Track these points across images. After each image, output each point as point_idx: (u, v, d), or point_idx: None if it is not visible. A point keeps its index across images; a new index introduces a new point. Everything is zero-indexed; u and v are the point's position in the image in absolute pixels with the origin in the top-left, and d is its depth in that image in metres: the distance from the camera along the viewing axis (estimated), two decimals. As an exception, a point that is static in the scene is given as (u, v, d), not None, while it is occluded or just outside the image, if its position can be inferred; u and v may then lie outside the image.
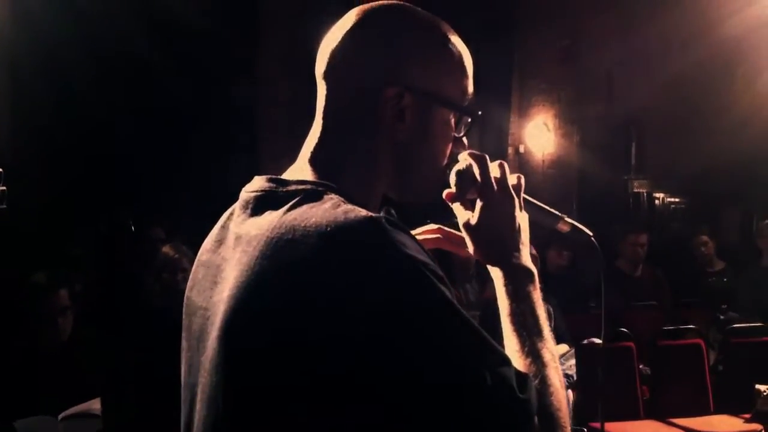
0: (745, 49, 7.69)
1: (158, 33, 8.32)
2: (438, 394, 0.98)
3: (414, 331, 0.99)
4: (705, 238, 7.14)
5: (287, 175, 1.22)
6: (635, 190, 9.81)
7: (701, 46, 7.55)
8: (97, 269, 6.74)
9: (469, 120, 1.29)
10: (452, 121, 1.26)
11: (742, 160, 7.77)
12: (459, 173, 1.32)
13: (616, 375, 5.22)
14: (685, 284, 7.08)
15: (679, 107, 8.70)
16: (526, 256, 1.30)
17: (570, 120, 9.85)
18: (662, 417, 5.24)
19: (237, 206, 1.22)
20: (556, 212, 1.43)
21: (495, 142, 9.85)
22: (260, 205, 1.17)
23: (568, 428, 1.11)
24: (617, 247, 6.73)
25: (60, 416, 3.60)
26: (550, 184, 9.46)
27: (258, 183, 1.21)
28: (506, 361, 1.05)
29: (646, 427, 5.13)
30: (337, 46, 1.22)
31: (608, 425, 4.85)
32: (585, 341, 5.15)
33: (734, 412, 5.21)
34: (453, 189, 1.33)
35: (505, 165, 1.32)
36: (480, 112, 1.27)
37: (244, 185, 1.24)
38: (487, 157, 1.31)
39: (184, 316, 1.28)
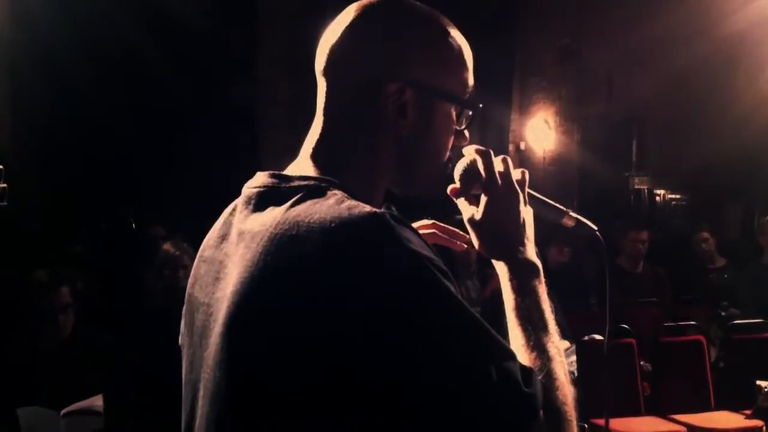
0: (747, 45, 7.68)
1: (158, 33, 8.32)
2: (443, 389, 0.98)
3: (419, 327, 0.99)
4: (706, 234, 7.13)
5: (289, 171, 1.22)
6: (636, 187, 9.81)
7: (703, 43, 7.54)
8: (98, 267, 6.75)
9: (471, 113, 1.28)
10: (453, 114, 1.26)
11: (743, 156, 7.76)
12: (463, 168, 1.32)
13: (617, 371, 5.22)
14: (686, 281, 7.08)
15: (680, 104, 8.69)
16: (531, 250, 1.30)
17: (571, 117, 9.84)
18: (663, 413, 5.24)
19: (239, 202, 1.22)
20: (561, 207, 1.42)
21: (496, 139, 9.85)
22: (263, 200, 1.16)
23: (574, 422, 1.11)
24: (618, 244, 6.73)
25: (62, 412, 3.60)
26: (551, 182, 9.45)
27: (260, 179, 1.21)
28: (511, 356, 1.04)
29: (647, 423, 5.13)
30: (336, 42, 1.22)
31: (610, 421, 4.85)
32: (586, 337, 5.15)
33: (735, 408, 5.21)
34: (457, 184, 1.34)
35: (509, 160, 1.32)
36: (481, 105, 1.27)
37: (244, 183, 1.24)
38: (492, 152, 1.31)
39: (185, 312, 1.28)
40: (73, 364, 3.84)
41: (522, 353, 1.15)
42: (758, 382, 4.93)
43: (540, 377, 1.09)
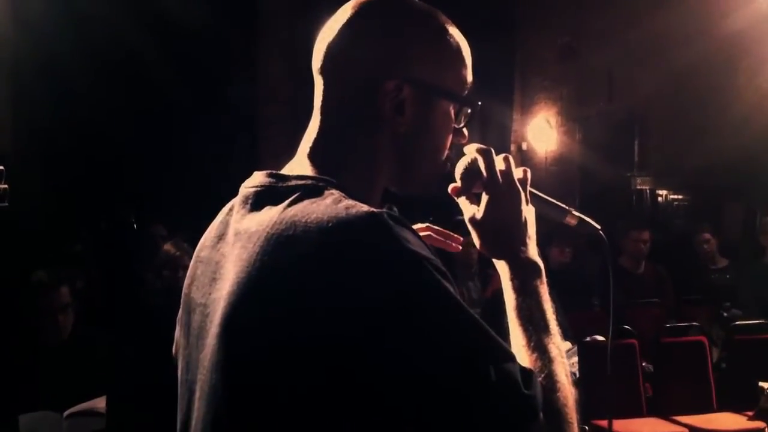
0: (747, 44, 7.66)
1: (158, 34, 8.33)
2: (442, 390, 0.97)
3: (417, 327, 0.98)
4: (707, 235, 7.12)
5: (287, 171, 1.21)
6: (638, 187, 9.80)
7: (704, 42, 7.53)
8: (98, 266, 6.74)
9: (469, 111, 1.27)
10: (452, 112, 1.25)
11: (745, 156, 7.74)
12: (464, 167, 1.31)
13: (618, 372, 5.21)
14: (688, 281, 7.06)
15: (682, 103, 8.68)
16: (532, 250, 1.29)
17: (572, 117, 9.85)
18: (665, 414, 5.23)
19: (236, 202, 1.21)
20: (564, 206, 1.41)
21: (497, 139, 9.86)
22: (260, 200, 1.15)
23: (575, 424, 1.10)
24: (620, 243, 6.72)
25: (65, 413, 3.60)
26: (553, 181, 9.46)
27: (257, 178, 1.20)
28: (511, 357, 1.03)
29: (648, 424, 5.12)
30: (333, 39, 1.21)
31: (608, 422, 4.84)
32: (588, 338, 5.14)
33: (737, 409, 5.20)
34: (458, 183, 1.32)
35: (511, 158, 1.31)
36: (480, 102, 1.26)
37: (244, 183, 1.23)
38: (493, 151, 1.30)
39: (181, 313, 1.27)
40: (72, 364, 3.83)
41: (523, 354, 1.14)
42: (761, 384, 4.91)
43: (540, 378, 1.08)
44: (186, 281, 1.27)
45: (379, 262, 0.99)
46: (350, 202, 1.06)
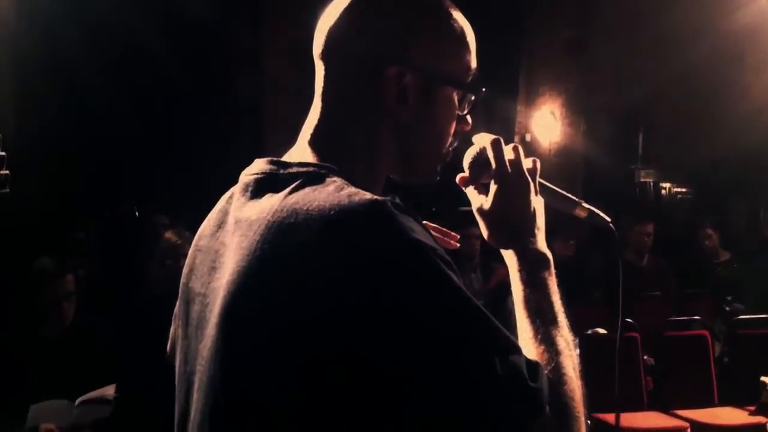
0: (754, 40, 7.63)
1: (161, 24, 8.31)
2: (446, 382, 0.95)
3: (421, 318, 0.96)
4: (709, 231, 7.11)
5: (288, 158, 1.19)
6: (642, 180, 9.78)
7: (710, 38, 7.50)
8: (100, 255, 6.74)
9: (473, 98, 1.25)
10: (456, 99, 1.22)
11: (750, 151, 7.73)
12: (472, 157, 1.29)
13: (620, 365, 5.19)
14: (691, 274, 7.05)
15: (687, 98, 8.66)
16: (541, 241, 1.28)
17: (577, 109, 9.82)
18: (666, 408, 5.23)
19: (236, 189, 1.19)
20: (573, 197, 1.40)
21: (502, 131, 9.74)
22: (260, 188, 1.13)
23: (582, 418, 1.07)
24: (623, 236, 6.70)
25: (77, 401, 3.59)
26: (557, 173, 9.43)
27: (258, 165, 1.18)
28: (516, 349, 1.01)
29: (650, 418, 5.12)
30: (334, 24, 1.18)
31: (612, 416, 4.84)
32: (589, 331, 5.13)
33: (739, 404, 5.19)
34: (466, 173, 1.31)
35: (520, 148, 1.30)
36: (484, 89, 1.24)
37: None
38: (502, 140, 1.28)
39: (179, 303, 1.25)
40: (74, 352, 3.83)
41: (530, 346, 1.12)
42: (762, 378, 4.91)
43: (547, 371, 1.06)
44: (184, 270, 1.25)
45: (382, 251, 0.97)
46: (353, 189, 1.04)
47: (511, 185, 1.26)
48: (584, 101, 9.68)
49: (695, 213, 8.76)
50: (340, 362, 0.95)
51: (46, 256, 4.03)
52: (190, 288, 1.20)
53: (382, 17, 1.17)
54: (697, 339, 5.50)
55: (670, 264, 6.92)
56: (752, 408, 5.03)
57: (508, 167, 1.26)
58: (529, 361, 1.01)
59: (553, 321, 1.17)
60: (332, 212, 1.00)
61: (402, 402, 0.95)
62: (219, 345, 1.05)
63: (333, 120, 1.19)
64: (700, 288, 6.73)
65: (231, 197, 1.20)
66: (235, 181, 1.22)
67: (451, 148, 1.26)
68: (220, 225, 1.18)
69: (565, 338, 1.15)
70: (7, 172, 3.06)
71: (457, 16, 1.22)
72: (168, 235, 4.60)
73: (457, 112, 1.24)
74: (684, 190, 9.81)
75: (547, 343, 1.13)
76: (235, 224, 1.13)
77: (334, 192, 1.03)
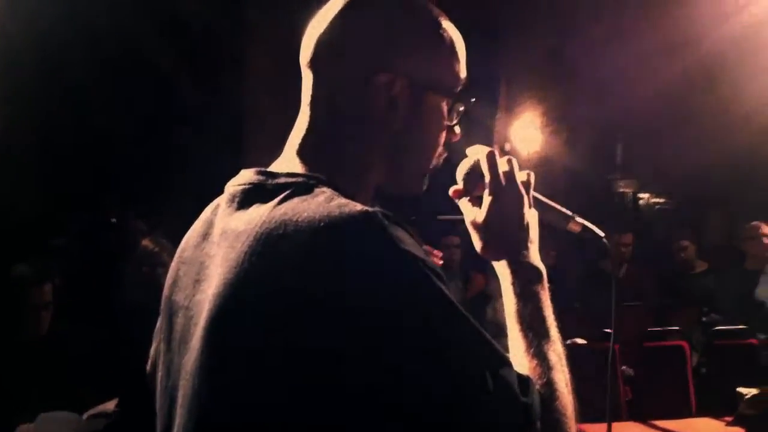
0: (733, 56, 7.70)
1: (145, 27, 8.27)
2: (436, 396, 0.93)
3: (412, 330, 0.94)
4: (685, 243, 7.13)
5: (275, 168, 1.17)
6: (621, 190, 9.83)
7: (689, 53, 7.56)
8: (77, 261, 6.68)
9: (462, 108, 1.24)
10: (445, 108, 1.21)
11: (728, 163, 7.79)
12: (467, 169, 1.28)
13: (598, 376, 5.20)
14: (669, 285, 7.08)
15: (667, 109, 8.71)
16: (534, 254, 1.28)
17: (557, 119, 9.85)
18: (644, 419, 5.23)
19: (222, 200, 1.16)
20: (567, 211, 1.39)
21: (481, 139, 9.81)
22: (248, 198, 1.11)
23: None
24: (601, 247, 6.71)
25: (84, 415, 3.55)
26: (536, 183, 9.44)
27: (245, 176, 1.15)
28: (507, 363, 1.00)
29: (627, 428, 5.11)
30: (324, 32, 1.17)
31: (589, 426, 4.82)
32: (568, 341, 5.13)
33: (716, 414, 5.20)
34: (460, 185, 1.30)
35: (514, 160, 1.29)
36: (473, 99, 1.23)
37: (229, 179, 1.18)
38: (496, 152, 1.27)
39: (162, 317, 1.21)
40: (48, 359, 3.78)
41: (522, 360, 1.11)
42: (740, 389, 4.92)
43: (539, 386, 1.05)
44: (167, 282, 1.22)
45: (372, 263, 0.95)
46: (342, 200, 1.02)
47: (505, 198, 1.26)
48: (564, 110, 9.72)
49: (673, 224, 8.81)
50: (328, 377, 0.93)
51: (24, 263, 3.98)
52: (173, 301, 1.17)
53: (373, 25, 1.16)
54: (675, 349, 5.52)
55: (649, 274, 6.94)
56: (729, 419, 5.04)
57: (503, 179, 1.26)
58: (520, 375, 1.00)
59: (546, 335, 1.16)
60: (322, 223, 0.98)
61: (392, 415, 0.93)
62: (204, 359, 1.03)
63: (321, 129, 1.18)
64: (678, 299, 6.76)
65: (216, 208, 1.17)
66: (215, 185, 1.20)
67: (440, 159, 1.25)
68: (205, 236, 1.15)
69: (558, 353, 1.15)
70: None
71: (447, 25, 1.22)
72: (145, 242, 4.56)
73: (446, 122, 1.22)
74: (662, 200, 9.87)
75: (540, 357, 1.12)
76: (221, 235, 1.10)
77: (323, 203, 1.02)
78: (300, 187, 1.07)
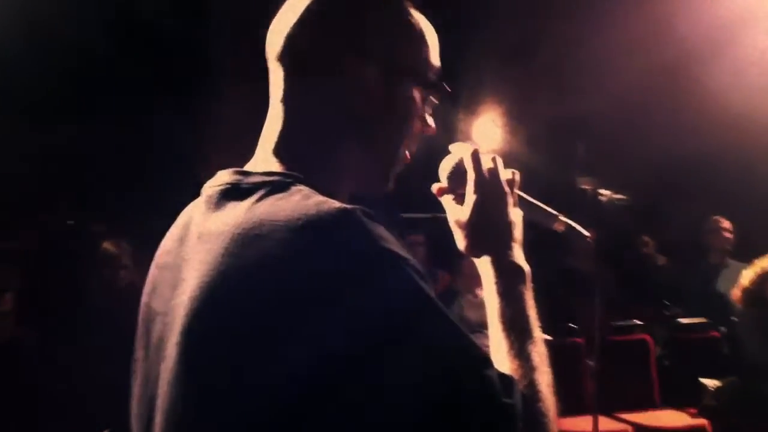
0: (696, 52, 7.79)
1: (108, 28, 8.18)
2: (416, 395, 0.90)
3: (392, 329, 0.91)
4: (645, 239, 7.25)
5: (251, 167, 1.14)
6: (582, 187, 9.89)
7: (656, 45, 7.64)
8: (35, 265, 6.58)
9: (435, 98, 1.22)
10: (418, 97, 1.19)
11: (690, 159, 7.89)
12: (451, 167, 1.27)
13: (564, 370, 5.23)
14: (631, 280, 7.15)
15: (628, 107, 8.78)
16: (518, 253, 1.25)
17: (518, 116, 9.90)
18: (609, 412, 5.27)
19: (199, 202, 1.13)
20: (552, 211, 1.38)
21: (441, 136, 9.85)
22: (224, 199, 1.07)
23: None
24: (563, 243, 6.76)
25: None
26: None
27: (221, 177, 1.12)
28: (489, 363, 0.97)
29: (592, 421, 5.15)
30: (292, 24, 1.14)
31: (563, 420, 4.87)
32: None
33: (680, 406, 5.27)
34: (443, 183, 1.28)
35: (499, 159, 1.27)
36: (449, 89, 1.21)
37: (194, 182, 1.16)
38: (480, 150, 1.26)
39: (140, 324, 1.17)
40: (10, 367, 3.72)
41: (504, 360, 1.09)
42: (704, 381, 4.98)
43: (521, 387, 1.02)
44: (145, 290, 1.18)
45: (352, 260, 0.93)
46: (320, 198, 0.99)
47: (489, 196, 1.24)
48: (525, 108, 9.77)
49: (635, 219, 8.89)
50: (309, 377, 0.89)
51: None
52: (151, 308, 1.14)
53: (342, 14, 1.14)
54: (639, 343, 5.58)
55: (611, 269, 7.00)
56: (693, 410, 5.10)
57: (487, 177, 1.24)
58: (503, 376, 0.98)
59: (529, 336, 1.14)
60: (300, 221, 0.95)
61: (372, 415, 0.90)
62: (181, 366, 0.99)
63: (294, 124, 1.15)
64: (640, 293, 6.83)
65: (193, 211, 1.14)
66: (179, 188, 1.17)
67: (411, 153, 1.23)
68: (182, 240, 1.12)
69: (541, 354, 1.13)
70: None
71: (416, 14, 1.20)
72: (105, 245, 4.50)
73: (420, 113, 1.21)
74: (623, 196, 9.95)
75: (522, 358, 1.10)
76: (198, 238, 1.07)
77: (301, 201, 0.99)
78: (277, 186, 1.04)
